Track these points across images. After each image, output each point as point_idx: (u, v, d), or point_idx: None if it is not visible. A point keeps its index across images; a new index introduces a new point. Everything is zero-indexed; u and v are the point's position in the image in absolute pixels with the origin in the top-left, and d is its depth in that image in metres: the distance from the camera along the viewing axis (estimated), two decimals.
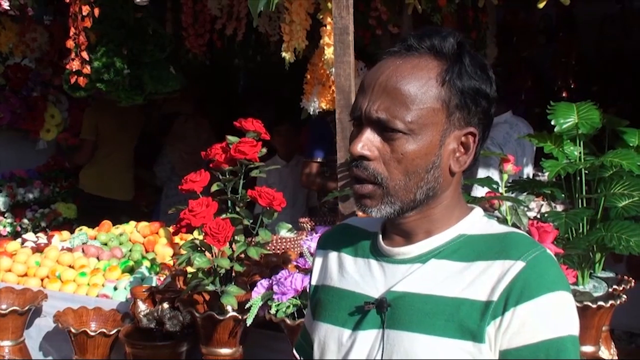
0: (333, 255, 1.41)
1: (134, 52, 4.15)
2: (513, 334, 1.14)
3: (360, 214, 1.33)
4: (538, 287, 1.14)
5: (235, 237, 2.46)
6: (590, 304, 2.25)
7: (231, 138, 2.51)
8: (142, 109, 5.46)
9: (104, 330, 2.80)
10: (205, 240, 2.35)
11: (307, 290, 1.55)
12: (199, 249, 2.43)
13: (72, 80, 3.65)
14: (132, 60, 4.12)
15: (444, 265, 1.23)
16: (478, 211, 1.31)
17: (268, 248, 2.62)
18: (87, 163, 5.39)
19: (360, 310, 1.27)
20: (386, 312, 1.23)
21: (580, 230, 2.36)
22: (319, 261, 1.45)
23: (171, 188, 5.59)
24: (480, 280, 1.18)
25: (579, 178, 2.39)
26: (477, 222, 1.28)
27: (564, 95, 6.32)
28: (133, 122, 5.52)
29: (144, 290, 2.80)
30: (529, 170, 4.03)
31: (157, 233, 3.69)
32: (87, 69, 3.57)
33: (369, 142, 1.21)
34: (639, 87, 6.64)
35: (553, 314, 1.14)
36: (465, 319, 1.16)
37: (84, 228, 3.92)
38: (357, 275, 1.33)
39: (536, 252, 1.18)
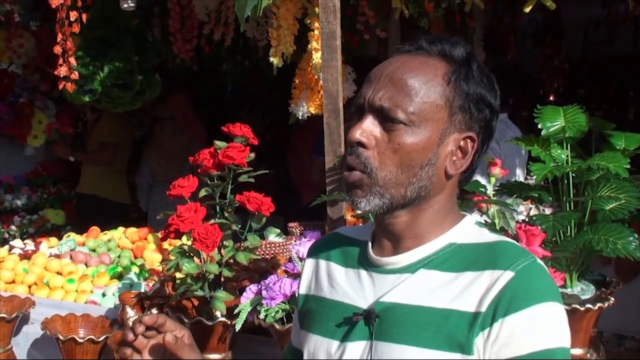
0: (323, 265, 1.40)
1: (139, 58, 4.17)
2: (502, 346, 1.11)
3: (349, 218, 1.33)
4: (527, 298, 1.12)
5: (224, 243, 2.46)
6: (578, 306, 2.26)
7: (219, 143, 2.51)
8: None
9: (92, 337, 2.78)
10: (193, 246, 2.35)
11: (296, 299, 1.55)
12: (187, 254, 2.42)
13: (60, 86, 3.63)
14: (138, 66, 4.14)
15: (433, 275, 1.21)
16: (470, 219, 1.30)
17: (257, 253, 2.61)
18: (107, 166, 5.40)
19: (348, 322, 1.26)
20: (374, 323, 1.21)
21: (568, 233, 2.37)
22: (308, 271, 1.44)
23: (154, 193, 5.57)
24: (469, 291, 1.16)
25: (566, 181, 2.40)
26: (467, 231, 1.27)
27: (550, 98, 6.36)
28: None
29: (132, 296, 2.79)
30: (521, 172, 4.03)
31: (145, 239, 3.68)
32: (75, 75, 3.55)
33: (368, 130, 1.22)
34: (625, 90, 6.70)
35: (543, 326, 1.12)
36: (454, 331, 1.14)
37: (72, 234, 3.90)
38: (347, 285, 1.31)
39: (526, 261, 1.16)
